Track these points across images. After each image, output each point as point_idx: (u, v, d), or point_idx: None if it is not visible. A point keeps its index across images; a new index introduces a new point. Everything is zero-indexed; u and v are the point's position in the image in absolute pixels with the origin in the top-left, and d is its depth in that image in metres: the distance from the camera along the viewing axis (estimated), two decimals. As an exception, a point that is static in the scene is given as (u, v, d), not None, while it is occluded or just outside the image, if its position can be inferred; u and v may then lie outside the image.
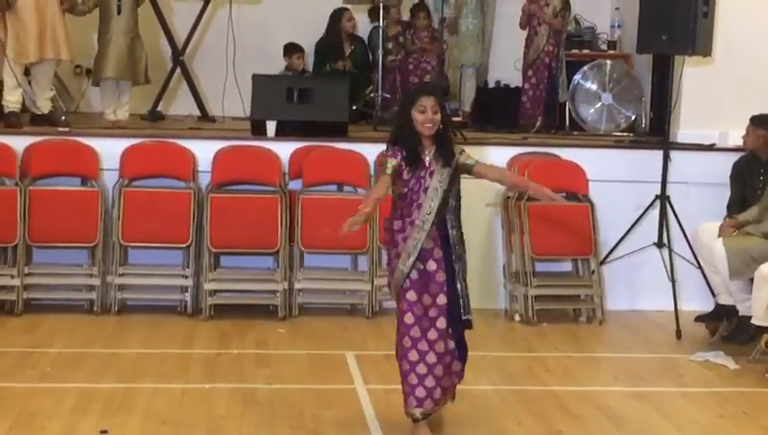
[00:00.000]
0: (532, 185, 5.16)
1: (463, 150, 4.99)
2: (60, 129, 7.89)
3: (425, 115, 4.81)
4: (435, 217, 4.87)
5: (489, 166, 5.23)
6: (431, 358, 4.89)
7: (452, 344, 4.96)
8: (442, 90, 9.47)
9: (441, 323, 4.90)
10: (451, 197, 4.95)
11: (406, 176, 4.88)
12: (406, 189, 4.89)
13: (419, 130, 4.85)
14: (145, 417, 5.23)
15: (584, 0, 10.35)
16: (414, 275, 4.89)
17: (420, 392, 4.90)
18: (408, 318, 4.90)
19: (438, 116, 4.83)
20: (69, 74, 9.92)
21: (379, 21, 9.50)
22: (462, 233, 5.02)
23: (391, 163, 4.86)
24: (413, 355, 4.90)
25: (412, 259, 4.87)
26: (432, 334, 4.90)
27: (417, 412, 4.92)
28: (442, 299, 4.91)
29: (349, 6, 9.98)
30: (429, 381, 4.90)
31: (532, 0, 9.34)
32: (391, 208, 5.00)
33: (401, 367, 4.96)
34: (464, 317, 4.98)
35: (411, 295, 4.90)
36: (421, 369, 4.89)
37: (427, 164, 4.88)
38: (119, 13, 8.60)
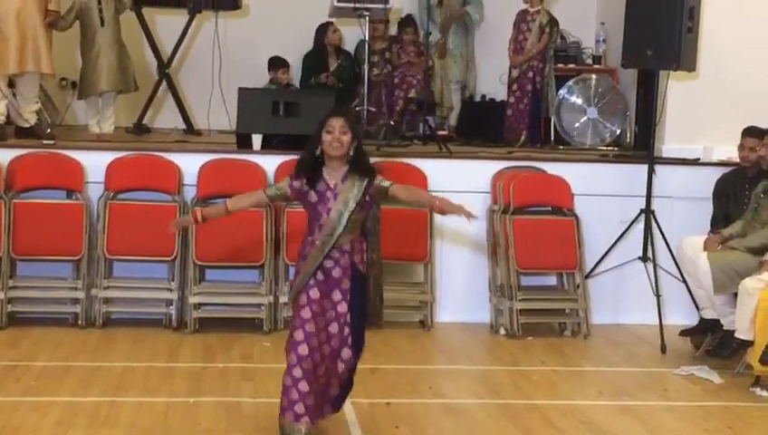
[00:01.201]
0: (436, 202, 5.01)
1: (378, 174, 4.94)
2: (45, 141, 7.88)
3: (332, 135, 4.82)
4: (340, 240, 4.85)
5: (404, 187, 5.09)
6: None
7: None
8: (427, 105, 9.51)
9: (333, 327, 4.89)
10: (368, 220, 4.96)
11: (311, 198, 4.88)
12: (311, 210, 4.90)
13: (327, 151, 4.85)
14: (129, 431, 5.21)
15: (569, 15, 10.37)
16: (312, 294, 4.87)
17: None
18: (298, 335, 4.85)
19: (347, 137, 4.83)
20: (54, 87, 9.89)
21: (365, 35, 9.49)
22: (379, 255, 5.06)
23: (280, 186, 4.97)
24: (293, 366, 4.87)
25: (307, 279, 4.87)
26: (324, 339, 4.88)
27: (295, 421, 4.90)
28: (343, 307, 4.90)
29: (334, 20, 9.99)
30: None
31: (516, 51, 9.42)
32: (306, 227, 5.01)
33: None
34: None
35: (306, 312, 4.86)
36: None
37: (332, 186, 4.87)
38: (102, 24, 8.62)
